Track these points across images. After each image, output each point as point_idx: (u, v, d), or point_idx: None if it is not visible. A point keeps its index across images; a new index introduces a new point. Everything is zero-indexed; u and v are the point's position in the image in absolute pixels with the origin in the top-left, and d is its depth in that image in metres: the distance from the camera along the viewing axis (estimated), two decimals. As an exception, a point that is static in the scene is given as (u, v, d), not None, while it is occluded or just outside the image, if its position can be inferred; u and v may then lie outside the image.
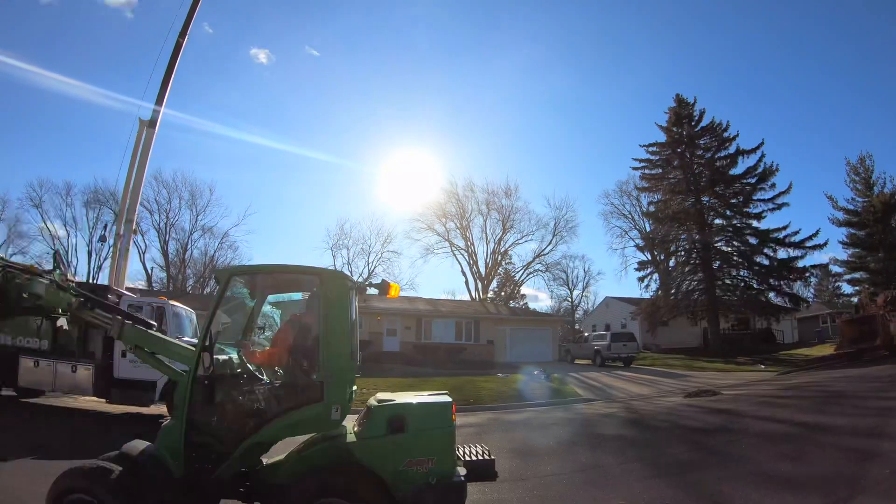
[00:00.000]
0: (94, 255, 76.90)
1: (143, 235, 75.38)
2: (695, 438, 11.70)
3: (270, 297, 8.27)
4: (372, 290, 8.14)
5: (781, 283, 45.92)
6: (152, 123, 32.08)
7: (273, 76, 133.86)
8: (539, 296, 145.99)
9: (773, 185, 46.53)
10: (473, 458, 6.97)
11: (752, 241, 46.89)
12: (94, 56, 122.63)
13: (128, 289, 37.26)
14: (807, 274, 46.81)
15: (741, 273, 47.75)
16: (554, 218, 79.05)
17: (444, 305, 51.38)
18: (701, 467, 9.01)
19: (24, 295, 8.02)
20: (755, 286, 46.66)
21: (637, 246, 71.24)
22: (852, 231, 52.57)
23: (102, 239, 33.43)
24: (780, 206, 46.29)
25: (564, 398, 20.45)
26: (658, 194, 54.10)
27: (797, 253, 45.28)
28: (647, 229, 66.30)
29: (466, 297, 74.71)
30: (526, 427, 14.59)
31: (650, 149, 53.20)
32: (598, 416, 16.00)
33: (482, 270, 77.68)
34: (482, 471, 6.75)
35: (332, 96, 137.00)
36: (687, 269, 50.22)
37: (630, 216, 75.46)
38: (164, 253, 78.32)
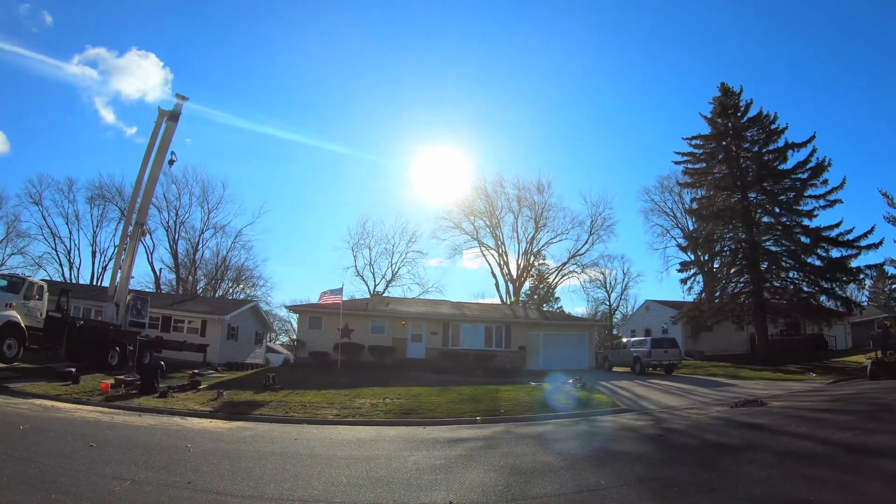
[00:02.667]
0: (98, 256, 77.65)
1: (150, 234, 76.34)
2: (711, 457, 11.53)
3: None
4: None
5: (834, 285, 45.44)
6: (174, 116, 32.38)
7: (291, 62, 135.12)
8: (574, 298, 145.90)
9: (826, 182, 46.06)
10: None
11: (803, 240, 46.36)
12: (98, 41, 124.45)
13: (136, 293, 38.16)
14: (861, 276, 46.20)
15: (791, 275, 47.28)
16: (590, 215, 79.31)
17: (472, 309, 51.69)
18: (703, 491, 8.82)
19: None
20: (805, 288, 46.21)
21: (679, 245, 71.08)
22: (910, 229, 52.05)
23: (171, 162, 33.14)
24: (832, 203, 45.73)
25: (591, 409, 20.48)
26: (702, 190, 53.87)
27: (850, 252, 44.63)
28: (690, 228, 66.14)
29: (497, 301, 74.85)
30: (537, 441, 14.62)
31: (693, 141, 52.96)
32: (620, 429, 15.88)
33: (513, 272, 77.81)
34: None
35: (354, 86, 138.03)
36: (733, 270, 49.93)
37: (672, 214, 75.44)
38: (174, 253, 79.63)
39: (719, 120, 51.21)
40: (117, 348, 31.28)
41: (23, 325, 25.11)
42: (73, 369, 24.87)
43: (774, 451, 11.31)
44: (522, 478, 10.15)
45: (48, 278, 62.90)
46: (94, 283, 71.87)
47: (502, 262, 77.99)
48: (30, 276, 27.63)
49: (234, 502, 8.30)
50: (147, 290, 63.65)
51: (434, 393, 24.99)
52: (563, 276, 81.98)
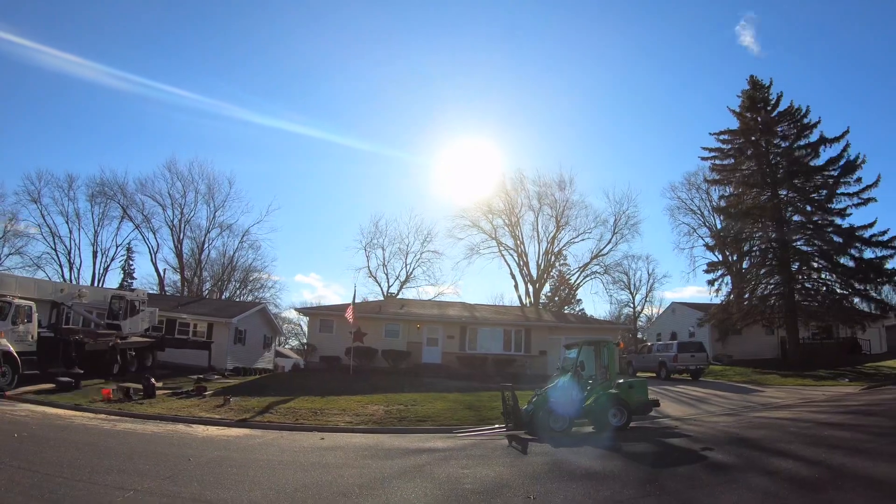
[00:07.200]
0: (100, 256, 77.48)
1: (154, 233, 76.73)
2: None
3: None
4: None
5: (868, 286, 44.95)
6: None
7: (297, 52, 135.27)
8: (597, 301, 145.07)
9: (860, 179, 45.51)
10: None
11: (836, 239, 45.82)
12: (97, 28, 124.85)
13: (115, 292, 38.17)
14: (896, 277, 45.66)
15: (823, 275, 46.83)
16: (614, 214, 78.31)
17: (490, 312, 51.31)
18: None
19: None
20: (838, 290, 45.76)
21: (707, 245, 70.35)
22: (948, 227, 51.42)
23: None
24: (866, 202, 45.18)
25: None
26: (730, 187, 53.36)
27: (886, 253, 44.06)
28: (718, 226, 65.67)
29: (516, 303, 74.32)
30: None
31: (721, 137, 52.43)
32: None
33: (533, 273, 76.95)
34: None
35: (368, 78, 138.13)
36: (762, 270, 49.34)
37: (699, 212, 74.61)
38: (178, 253, 79.18)
39: (748, 114, 50.71)
40: (118, 356, 31.13)
41: (14, 352, 24.21)
42: (74, 376, 24.82)
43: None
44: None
45: (47, 279, 62.64)
46: (96, 284, 71.93)
47: (522, 263, 77.01)
48: (15, 298, 26.72)
49: (242, 514, 8.23)
50: (150, 290, 63.45)
51: (450, 399, 25.07)
52: (585, 278, 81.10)
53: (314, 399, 24.46)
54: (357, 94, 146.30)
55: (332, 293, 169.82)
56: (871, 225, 44.73)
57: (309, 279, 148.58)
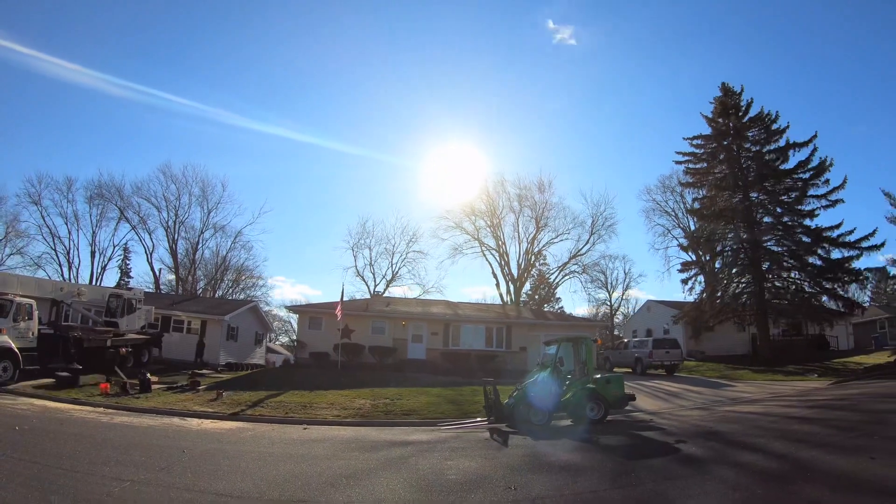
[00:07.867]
0: (97, 256, 77.32)
1: (150, 234, 76.58)
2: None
3: None
4: None
5: (835, 285, 45.24)
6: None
7: (290, 59, 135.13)
8: (575, 299, 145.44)
9: (827, 181, 45.79)
10: None
11: (805, 240, 46.10)
12: (97, 37, 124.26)
13: (113, 291, 38.08)
14: (862, 276, 45.78)
15: (792, 275, 47.12)
16: (591, 215, 78.56)
17: (473, 310, 51.38)
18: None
19: None
20: (807, 288, 45.99)
21: (681, 245, 70.74)
22: (912, 230, 51.69)
23: None
24: (833, 203, 45.47)
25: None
26: (703, 190, 53.40)
27: (852, 253, 44.30)
28: (692, 227, 65.94)
29: (498, 301, 74.40)
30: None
31: (694, 141, 52.76)
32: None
33: (514, 272, 76.97)
34: None
35: (356, 83, 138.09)
36: (734, 270, 49.47)
37: (673, 213, 74.86)
38: (173, 253, 79.03)
39: (720, 120, 51.03)
40: (112, 350, 31.07)
41: (15, 348, 24.48)
42: (73, 371, 24.81)
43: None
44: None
45: (47, 278, 62.42)
46: (94, 283, 71.61)
47: (503, 262, 77.06)
48: (16, 296, 26.79)
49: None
50: (147, 289, 63.21)
51: (434, 394, 25.14)
52: (564, 277, 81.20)
53: (303, 393, 24.49)
54: (346, 101, 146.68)
55: (298, 293, 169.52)
56: (837, 226, 44.99)
57: (277, 281, 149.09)
